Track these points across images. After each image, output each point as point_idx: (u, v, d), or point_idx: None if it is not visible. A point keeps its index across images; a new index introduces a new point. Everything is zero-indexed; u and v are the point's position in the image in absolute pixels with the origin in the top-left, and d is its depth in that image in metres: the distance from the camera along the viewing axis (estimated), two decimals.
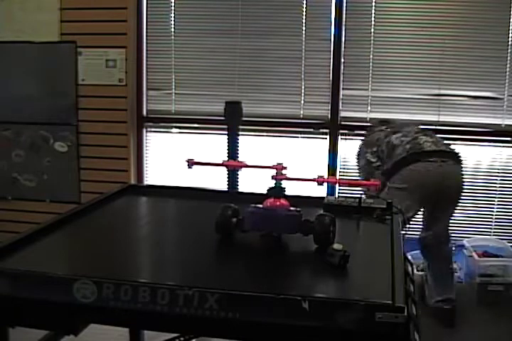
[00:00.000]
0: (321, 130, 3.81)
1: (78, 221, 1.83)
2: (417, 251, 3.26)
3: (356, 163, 3.35)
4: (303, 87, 3.80)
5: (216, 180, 3.35)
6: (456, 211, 3.19)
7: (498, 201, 3.72)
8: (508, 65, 3.56)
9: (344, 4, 3.65)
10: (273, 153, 3.83)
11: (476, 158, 3.72)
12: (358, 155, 3.29)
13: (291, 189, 1.69)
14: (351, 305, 1.19)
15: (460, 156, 3.07)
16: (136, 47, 3.87)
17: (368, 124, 3.52)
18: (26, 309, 1.35)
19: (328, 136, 3.80)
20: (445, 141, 3.14)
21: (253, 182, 2.83)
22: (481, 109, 3.63)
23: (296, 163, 3.55)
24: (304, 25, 3.73)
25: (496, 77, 3.59)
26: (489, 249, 3.57)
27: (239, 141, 3.08)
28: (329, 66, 3.74)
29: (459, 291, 3.19)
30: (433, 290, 3.09)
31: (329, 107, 3.77)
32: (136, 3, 3.83)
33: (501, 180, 3.71)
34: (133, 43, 3.85)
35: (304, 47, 3.76)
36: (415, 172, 2.89)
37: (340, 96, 3.76)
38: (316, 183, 1.64)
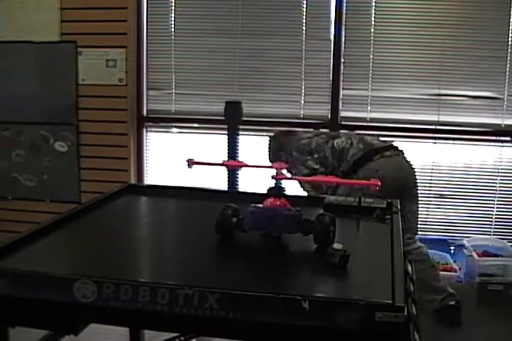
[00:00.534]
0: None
1: (78, 221, 1.83)
2: None
3: (293, 172, 3.07)
4: (303, 87, 3.80)
5: (216, 180, 3.35)
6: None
7: (498, 201, 3.72)
8: (508, 65, 3.56)
9: (344, 4, 3.65)
10: None
11: (476, 158, 3.71)
12: (292, 167, 3.06)
13: (291, 189, 1.69)
14: (351, 304, 1.19)
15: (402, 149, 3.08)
16: (136, 47, 3.87)
17: (281, 133, 3.38)
18: (26, 309, 1.35)
19: None
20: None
21: (253, 182, 2.83)
22: (481, 109, 3.64)
23: None
24: (304, 25, 3.73)
25: (495, 77, 3.59)
26: (489, 248, 3.57)
27: (239, 141, 3.08)
28: (329, 66, 3.74)
29: (459, 291, 3.19)
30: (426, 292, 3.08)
31: (329, 107, 3.77)
32: (136, 3, 3.83)
33: (501, 180, 3.71)
34: (133, 43, 3.85)
35: (304, 47, 3.76)
36: (384, 163, 2.91)
37: (340, 96, 3.76)
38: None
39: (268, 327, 1.24)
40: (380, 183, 1.54)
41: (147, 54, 3.94)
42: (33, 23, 3.89)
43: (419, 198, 3.16)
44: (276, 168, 1.62)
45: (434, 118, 3.68)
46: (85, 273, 1.30)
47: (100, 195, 2.10)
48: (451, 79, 3.63)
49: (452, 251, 3.71)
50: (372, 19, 3.65)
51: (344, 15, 3.67)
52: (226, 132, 3.10)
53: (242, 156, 3.08)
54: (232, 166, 2.03)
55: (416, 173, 3.08)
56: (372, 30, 3.65)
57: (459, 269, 3.53)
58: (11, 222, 4.00)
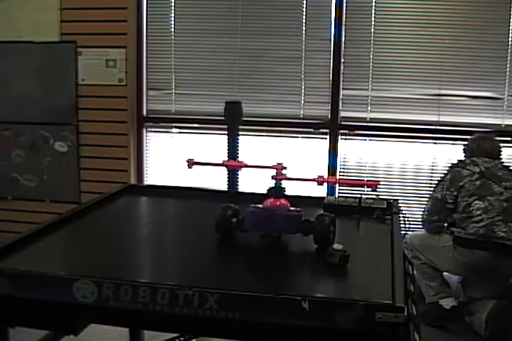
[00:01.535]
0: (321, 130, 3.81)
1: (78, 221, 1.83)
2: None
3: (434, 188, 3.14)
4: (303, 87, 3.80)
5: (216, 180, 3.35)
6: None
7: None
8: (508, 65, 3.56)
9: (344, 4, 3.65)
10: (273, 153, 3.83)
11: None
12: (440, 181, 3.08)
13: (291, 189, 1.69)
14: (351, 305, 1.19)
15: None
16: (136, 47, 3.87)
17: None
18: (26, 309, 1.35)
19: (328, 136, 3.79)
20: None
21: (253, 182, 2.83)
22: (481, 109, 3.63)
23: (296, 163, 3.55)
24: (304, 25, 3.73)
25: (496, 77, 3.59)
26: None
27: (239, 141, 3.08)
28: (329, 66, 3.74)
29: (459, 291, 3.19)
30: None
31: (329, 107, 3.77)
32: (136, 3, 3.83)
33: None
34: (133, 43, 3.85)
35: (304, 47, 3.76)
36: (472, 258, 2.86)
37: (340, 96, 3.76)
38: (316, 183, 1.64)
39: (268, 327, 1.24)
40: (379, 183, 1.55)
41: (147, 54, 3.94)
42: (33, 23, 3.89)
43: (419, 198, 3.16)
44: (277, 168, 1.62)
45: (434, 118, 3.68)
46: (85, 274, 1.30)
47: (100, 195, 2.10)
48: (451, 79, 3.63)
49: None
50: (372, 19, 3.64)
51: (344, 15, 3.66)
52: (226, 132, 3.10)
53: (242, 156, 3.08)
54: (232, 166, 2.03)
55: None
56: (372, 30, 3.65)
57: None
58: (11, 222, 4.00)
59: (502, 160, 3.16)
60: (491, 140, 3.21)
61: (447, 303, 3.02)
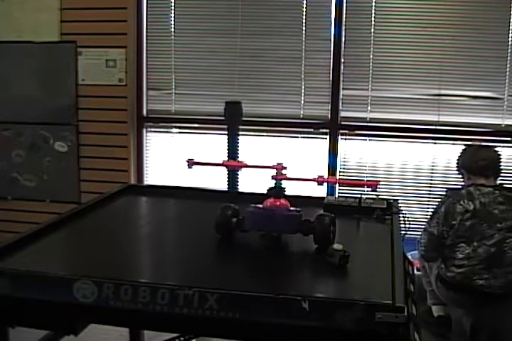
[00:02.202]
0: (321, 130, 3.81)
1: (78, 221, 1.83)
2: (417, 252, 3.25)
3: (429, 220, 2.91)
4: (303, 87, 3.80)
5: (216, 180, 3.35)
6: None
7: None
8: (508, 65, 3.56)
9: (344, 4, 3.65)
10: (273, 153, 3.83)
11: None
12: (435, 213, 2.87)
13: (291, 189, 1.69)
14: (351, 305, 1.19)
15: None
16: (136, 47, 3.87)
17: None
18: (26, 309, 1.35)
19: (328, 136, 3.79)
20: None
21: (253, 182, 2.83)
22: (481, 109, 3.63)
23: (296, 163, 3.55)
24: (304, 25, 3.73)
25: (496, 77, 3.59)
26: None
27: (239, 141, 3.08)
28: (329, 66, 3.74)
29: None
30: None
31: (329, 107, 3.77)
32: (136, 3, 3.83)
33: (501, 179, 3.70)
34: (133, 43, 3.85)
35: (303, 47, 3.75)
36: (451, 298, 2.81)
37: (340, 96, 3.76)
38: (316, 183, 1.64)
39: (268, 327, 1.24)
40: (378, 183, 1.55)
41: (147, 54, 3.94)
42: (33, 23, 3.89)
43: (419, 198, 3.13)
44: (277, 168, 1.62)
45: (434, 118, 3.68)
46: (85, 274, 1.30)
47: (100, 195, 2.10)
48: (452, 79, 3.63)
49: None
50: (372, 19, 3.64)
51: (344, 15, 3.66)
52: (226, 132, 3.10)
53: (242, 156, 3.08)
54: (232, 166, 2.03)
55: None
56: (372, 30, 3.65)
57: None
58: (11, 222, 4.00)
59: (500, 183, 2.97)
60: (488, 151, 2.98)
61: (436, 311, 3.01)
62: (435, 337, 2.97)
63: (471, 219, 2.70)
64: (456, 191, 2.86)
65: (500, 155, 2.96)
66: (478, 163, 2.88)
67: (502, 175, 3.67)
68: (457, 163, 3.00)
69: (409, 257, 2.90)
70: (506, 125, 3.62)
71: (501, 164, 2.95)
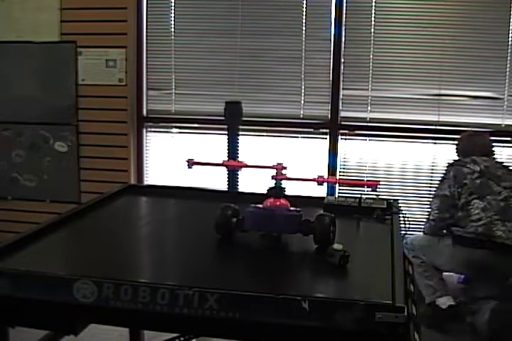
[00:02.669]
0: (321, 130, 3.81)
1: (78, 221, 1.83)
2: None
3: (438, 186, 3.12)
4: (303, 87, 3.80)
5: (216, 180, 3.35)
6: None
7: None
8: (508, 65, 3.56)
9: (344, 4, 3.65)
10: (273, 153, 3.83)
11: None
12: (443, 179, 3.09)
13: (291, 189, 1.69)
14: (351, 305, 1.19)
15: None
16: (136, 47, 3.87)
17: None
18: (26, 309, 1.35)
19: (328, 136, 3.79)
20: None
21: (253, 182, 2.83)
22: (481, 109, 3.63)
23: (296, 163, 3.55)
24: (304, 25, 3.73)
25: (496, 77, 3.59)
26: None
27: (239, 141, 3.08)
28: (329, 66, 3.74)
29: (458, 291, 3.19)
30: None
31: (329, 107, 3.77)
32: (136, 3, 3.83)
33: None
34: (133, 43, 3.85)
35: (303, 47, 3.75)
36: (472, 256, 2.87)
37: (340, 96, 3.76)
38: (316, 183, 1.64)
39: (268, 327, 1.24)
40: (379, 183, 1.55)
41: (147, 54, 3.94)
42: (33, 23, 3.89)
43: (419, 198, 3.15)
44: (277, 168, 1.62)
45: (434, 118, 3.68)
46: (85, 274, 1.30)
47: (100, 195, 2.10)
48: (452, 79, 3.63)
49: None
50: (372, 19, 3.64)
51: (344, 15, 3.66)
52: (226, 132, 3.10)
53: (242, 156, 3.08)
54: (232, 166, 2.03)
55: None
56: (372, 30, 3.65)
57: None
58: (11, 222, 4.00)
59: (496, 158, 3.20)
60: (482, 137, 3.24)
61: (444, 302, 3.01)
62: (449, 336, 2.96)
63: (480, 178, 2.93)
64: (459, 160, 3.10)
65: (490, 139, 3.26)
66: (475, 148, 3.14)
67: None
68: (457, 150, 3.25)
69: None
70: (506, 125, 3.63)
71: (494, 146, 3.24)
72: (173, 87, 3.95)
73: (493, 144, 3.24)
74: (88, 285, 1.27)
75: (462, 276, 3.45)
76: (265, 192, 1.62)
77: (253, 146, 3.77)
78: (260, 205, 1.61)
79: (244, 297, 1.23)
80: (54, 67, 3.93)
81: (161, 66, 3.94)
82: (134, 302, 1.26)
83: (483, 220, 2.84)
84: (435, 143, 3.72)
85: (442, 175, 3.13)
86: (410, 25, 3.61)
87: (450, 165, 3.12)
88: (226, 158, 3.00)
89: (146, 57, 3.94)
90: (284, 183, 1.62)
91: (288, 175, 1.62)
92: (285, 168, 1.62)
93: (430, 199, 3.22)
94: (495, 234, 2.81)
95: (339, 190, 3.79)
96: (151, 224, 1.89)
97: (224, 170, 3.05)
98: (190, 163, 1.73)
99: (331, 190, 3.70)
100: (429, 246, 3.05)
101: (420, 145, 3.74)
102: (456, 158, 3.20)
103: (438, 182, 3.15)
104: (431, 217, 3.10)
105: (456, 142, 3.32)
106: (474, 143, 3.18)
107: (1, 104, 4.03)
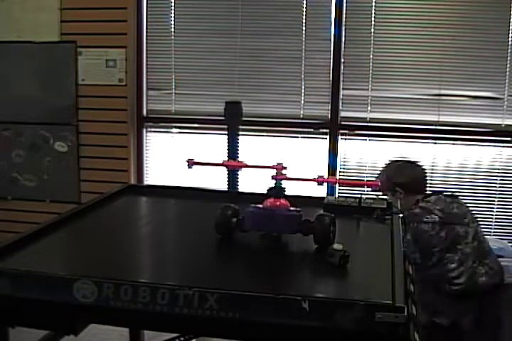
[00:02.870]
0: (321, 130, 3.81)
1: (78, 221, 1.83)
2: None
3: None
4: (303, 87, 3.80)
5: (216, 180, 3.35)
6: None
7: (498, 201, 3.72)
8: (508, 65, 3.56)
9: (344, 4, 3.65)
10: (273, 153, 3.83)
11: (476, 158, 3.71)
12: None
13: (291, 189, 1.69)
14: (351, 305, 1.19)
15: None
16: (136, 47, 3.87)
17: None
18: (26, 309, 1.35)
19: (328, 136, 3.79)
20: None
21: (253, 182, 2.83)
22: (481, 109, 3.63)
23: (296, 163, 3.55)
24: (304, 25, 3.73)
25: (496, 77, 3.59)
26: None
27: (239, 141, 3.07)
28: (329, 66, 3.74)
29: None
30: None
31: (329, 107, 3.77)
32: (136, 3, 3.83)
33: (501, 180, 3.71)
34: (133, 43, 3.85)
35: (303, 47, 3.76)
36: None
37: (340, 96, 3.76)
38: (316, 183, 1.64)
39: (268, 327, 1.24)
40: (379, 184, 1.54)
41: (147, 54, 3.94)
42: (33, 23, 3.89)
43: None
44: (277, 168, 1.62)
45: (434, 118, 3.68)
46: (85, 274, 1.30)
47: (100, 196, 2.10)
48: (452, 79, 3.63)
49: None
50: (372, 19, 3.64)
51: (344, 15, 3.66)
52: (226, 132, 3.10)
53: (242, 156, 3.08)
54: (232, 166, 2.03)
55: None
56: (372, 30, 3.65)
57: None
58: (11, 222, 4.00)
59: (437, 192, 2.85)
60: (415, 166, 2.92)
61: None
62: None
63: (442, 230, 2.60)
64: (409, 214, 2.65)
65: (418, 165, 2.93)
66: (418, 180, 2.82)
67: (502, 175, 3.69)
68: (389, 180, 2.81)
69: None
70: (506, 125, 3.62)
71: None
72: (173, 87, 3.95)
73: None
74: (88, 285, 1.27)
75: None
76: (265, 192, 1.62)
77: (253, 146, 3.77)
78: (260, 205, 1.61)
79: (244, 297, 1.23)
80: (54, 67, 3.93)
81: (161, 66, 3.94)
82: (134, 302, 1.26)
83: (464, 275, 2.57)
84: (435, 143, 3.72)
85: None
86: (410, 25, 3.61)
87: (403, 223, 2.74)
88: (226, 158, 3.00)
89: (146, 57, 3.94)
90: (284, 183, 1.62)
91: (288, 175, 1.62)
92: (285, 168, 1.62)
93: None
94: (480, 284, 2.58)
95: (339, 190, 3.79)
96: (151, 224, 1.89)
97: (224, 170, 3.05)
98: (190, 163, 1.72)
99: (331, 190, 3.70)
100: None
101: (420, 145, 3.74)
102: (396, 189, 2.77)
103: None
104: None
105: (455, 141, 3.26)
106: (416, 177, 2.82)
107: (1, 104, 4.03)
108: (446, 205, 2.69)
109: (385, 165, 2.96)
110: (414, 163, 2.97)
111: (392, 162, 2.98)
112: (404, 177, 2.82)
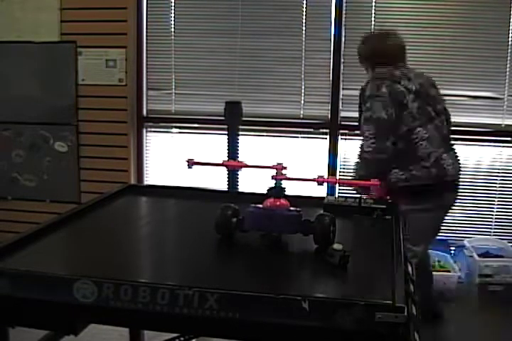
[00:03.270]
0: (321, 130, 3.81)
1: (78, 221, 1.82)
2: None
3: (365, 109, 2.58)
4: (303, 87, 3.80)
5: (216, 180, 3.35)
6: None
7: (498, 201, 3.72)
8: (508, 65, 3.56)
9: (344, 4, 3.65)
10: (273, 153, 3.83)
11: (476, 158, 3.71)
12: (373, 97, 2.49)
13: (291, 189, 1.69)
14: (351, 305, 1.19)
15: None
16: (136, 47, 3.87)
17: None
18: (26, 309, 1.35)
19: (328, 136, 3.79)
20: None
21: (253, 182, 2.83)
22: (481, 109, 3.63)
23: (296, 163, 3.55)
24: (304, 25, 3.73)
25: (496, 77, 3.59)
26: (489, 249, 3.57)
27: (239, 141, 3.08)
28: (329, 66, 3.74)
29: (459, 291, 3.19)
30: None
31: (329, 107, 3.77)
32: (136, 3, 3.83)
33: (501, 180, 3.71)
34: (133, 43, 3.85)
35: (303, 47, 3.76)
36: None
37: (340, 96, 3.76)
38: (316, 183, 1.64)
39: (268, 327, 1.24)
40: (379, 184, 1.54)
41: (147, 54, 3.94)
42: (33, 23, 3.89)
43: None
44: (277, 168, 1.62)
45: None
46: (85, 274, 1.30)
47: (100, 196, 2.10)
48: (451, 79, 3.63)
49: (453, 252, 3.71)
50: (372, 19, 3.65)
51: (344, 16, 3.67)
52: (226, 132, 3.10)
53: (242, 156, 3.08)
54: (232, 166, 2.03)
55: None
56: (373, 30, 3.65)
57: (460, 270, 3.53)
58: (11, 222, 4.00)
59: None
60: (395, 36, 2.67)
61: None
62: None
63: (416, 101, 2.39)
64: (386, 72, 2.48)
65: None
66: (397, 53, 2.60)
67: (502, 175, 3.69)
68: (362, 52, 2.63)
69: None
70: (506, 125, 3.63)
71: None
72: (173, 87, 3.95)
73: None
74: (88, 285, 1.27)
75: (463, 277, 3.45)
76: (265, 192, 1.62)
77: (253, 146, 3.77)
78: (260, 205, 1.61)
79: (244, 297, 1.23)
80: (54, 67, 3.93)
81: (161, 66, 3.94)
82: (134, 302, 1.26)
83: (432, 157, 2.32)
84: None
85: (368, 93, 2.49)
86: (410, 25, 3.61)
87: (376, 78, 2.48)
88: (226, 158, 3.00)
89: (146, 57, 3.94)
90: (284, 183, 1.62)
91: (288, 175, 1.62)
92: (285, 168, 1.62)
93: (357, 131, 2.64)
94: (448, 173, 2.35)
95: (339, 190, 3.79)
96: (151, 224, 1.89)
97: (224, 170, 3.05)
98: (190, 163, 1.72)
99: (331, 190, 3.70)
100: None
101: None
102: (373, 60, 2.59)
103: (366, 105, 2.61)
104: (365, 149, 2.44)
105: (455, 141, 3.28)
106: (394, 46, 2.59)
107: (1, 104, 4.03)
108: (426, 82, 2.52)
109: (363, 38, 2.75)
110: (387, 33, 2.76)
111: (369, 34, 2.76)
112: (372, 48, 2.65)
